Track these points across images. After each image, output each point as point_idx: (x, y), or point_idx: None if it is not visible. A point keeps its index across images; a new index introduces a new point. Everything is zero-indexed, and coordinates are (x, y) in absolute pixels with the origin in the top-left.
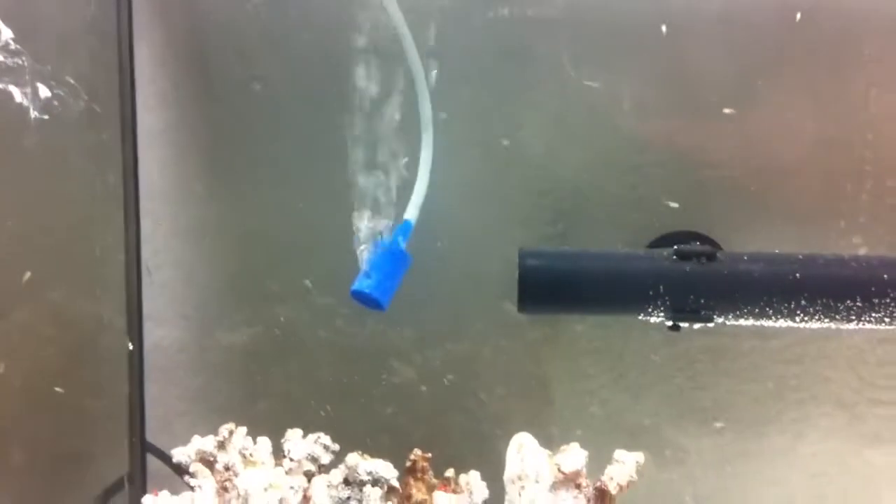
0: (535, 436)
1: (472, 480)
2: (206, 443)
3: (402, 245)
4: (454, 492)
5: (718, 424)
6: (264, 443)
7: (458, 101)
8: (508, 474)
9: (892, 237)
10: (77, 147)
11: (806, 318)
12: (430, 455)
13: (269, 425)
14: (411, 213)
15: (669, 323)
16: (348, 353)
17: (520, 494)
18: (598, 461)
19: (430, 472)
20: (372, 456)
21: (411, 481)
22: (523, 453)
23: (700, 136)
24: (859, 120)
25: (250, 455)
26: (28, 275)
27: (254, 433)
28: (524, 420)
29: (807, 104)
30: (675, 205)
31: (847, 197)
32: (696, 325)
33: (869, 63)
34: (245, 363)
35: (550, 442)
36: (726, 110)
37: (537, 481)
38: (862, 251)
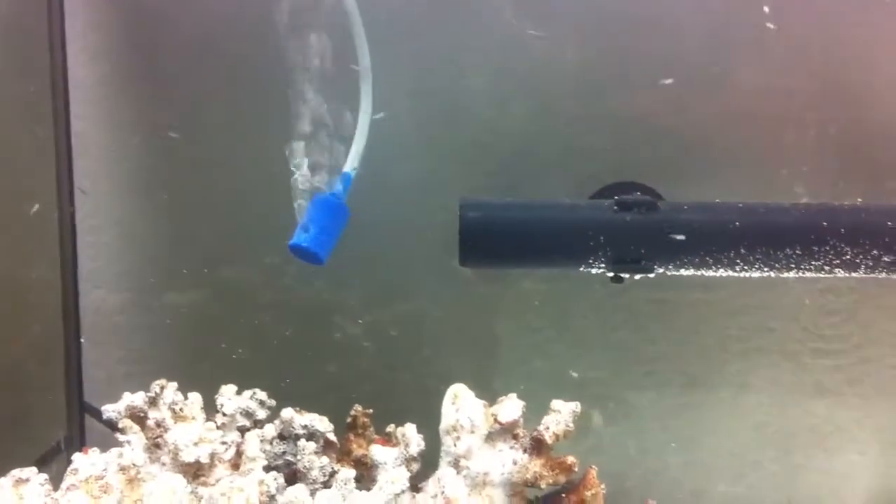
0: (480, 390)
1: (408, 433)
2: (136, 399)
3: (341, 198)
4: (393, 446)
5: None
6: (195, 398)
7: (399, 51)
8: (444, 425)
9: (835, 186)
10: None
11: (746, 268)
12: (370, 411)
13: (215, 385)
14: (350, 166)
15: (611, 274)
16: (294, 311)
17: (455, 445)
18: (543, 415)
19: (371, 428)
20: (319, 413)
21: (352, 437)
22: (458, 404)
23: (643, 86)
24: (802, 68)
25: (180, 410)
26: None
27: (201, 393)
28: (469, 375)
29: (750, 52)
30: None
31: (789, 145)
32: (637, 276)
33: (812, 10)
34: (188, 323)
35: (495, 396)
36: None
37: (472, 431)
38: (804, 200)
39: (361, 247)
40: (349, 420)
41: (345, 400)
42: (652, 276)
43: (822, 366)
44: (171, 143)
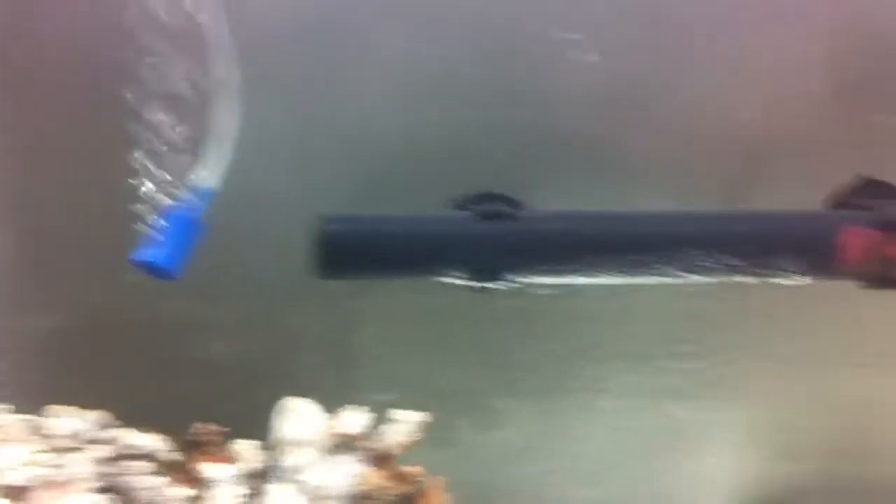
0: (344, 403)
1: (241, 448)
2: None
3: (198, 212)
4: (232, 463)
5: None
6: (24, 420)
7: (267, 61)
8: (278, 438)
9: (701, 194)
10: None
11: (603, 274)
12: (213, 428)
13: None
14: (205, 179)
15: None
16: (154, 330)
17: (291, 458)
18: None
19: (219, 447)
20: (175, 433)
21: (195, 456)
22: (293, 417)
23: (520, 96)
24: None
25: (6, 432)
26: None
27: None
28: (333, 388)
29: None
30: None
31: (652, 155)
32: (499, 286)
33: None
34: (50, 344)
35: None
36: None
37: (309, 444)
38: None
39: (224, 262)
40: (191, 439)
41: (205, 419)
42: (513, 284)
43: (680, 369)
44: (27, 160)
